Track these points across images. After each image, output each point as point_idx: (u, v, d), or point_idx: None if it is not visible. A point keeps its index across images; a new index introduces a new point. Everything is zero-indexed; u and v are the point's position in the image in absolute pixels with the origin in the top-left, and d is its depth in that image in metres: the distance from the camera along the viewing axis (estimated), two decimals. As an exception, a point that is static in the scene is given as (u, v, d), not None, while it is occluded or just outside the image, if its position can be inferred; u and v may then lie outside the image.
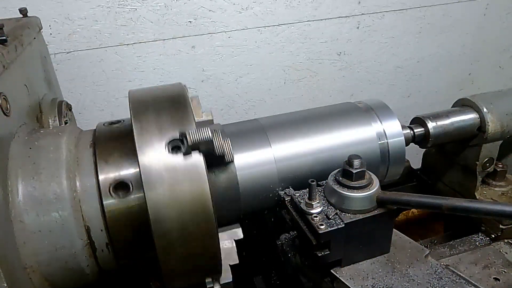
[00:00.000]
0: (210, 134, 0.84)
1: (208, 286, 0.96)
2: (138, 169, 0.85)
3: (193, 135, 0.83)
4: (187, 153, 0.84)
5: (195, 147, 0.84)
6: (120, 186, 0.93)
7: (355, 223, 0.96)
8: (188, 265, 0.91)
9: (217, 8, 1.85)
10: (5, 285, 0.75)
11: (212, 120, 1.06)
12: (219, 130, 0.93)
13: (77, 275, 0.95)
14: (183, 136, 0.84)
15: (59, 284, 0.94)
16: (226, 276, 0.98)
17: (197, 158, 0.85)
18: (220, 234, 0.92)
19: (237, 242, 1.07)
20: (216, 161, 0.94)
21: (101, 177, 0.93)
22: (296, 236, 1.12)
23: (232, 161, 0.95)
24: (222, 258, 0.93)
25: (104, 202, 0.92)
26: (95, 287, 1.01)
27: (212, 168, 0.99)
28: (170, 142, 0.86)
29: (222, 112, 2.07)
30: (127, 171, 0.95)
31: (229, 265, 1.00)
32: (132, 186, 0.93)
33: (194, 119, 0.92)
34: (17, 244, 0.86)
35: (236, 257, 1.01)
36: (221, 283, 0.97)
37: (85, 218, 0.91)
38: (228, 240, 1.06)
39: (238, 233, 1.09)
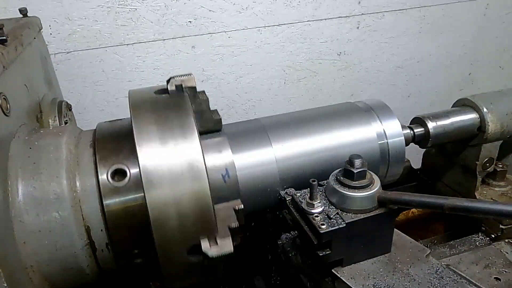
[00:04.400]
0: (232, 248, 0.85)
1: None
2: (138, 169, 0.85)
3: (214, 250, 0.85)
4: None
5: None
6: (118, 173, 0.93)
7: (356, 223, 0.95)
8: (188, 265, 0.91)
9: (217, 8, 1.85)
10: (5, 285, 0.75)
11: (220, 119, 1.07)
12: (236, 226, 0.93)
13: (77, 275, 0.95)
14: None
15: (59, 284, 0.94)
16: (226, 242, 0.91)
17: (198, 158, 0.85)
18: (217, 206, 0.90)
19: (237, 211, 1.04)
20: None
21: (101, 177, 0.93)
22: (297, 236, 1.12)
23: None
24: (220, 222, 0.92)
25: (104, 202, 0.92)
26: (95, 287, 1.01)
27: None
28: (170, 143, 0.86)
29: (222, 112, 2.06)
30: (127, 171, 0.94)
31: (229, 227, 0.95)
32: (129, 172, 0.93)
33: (194, 119, 0.92)
34: (17, 244, 0.85)
35: (237, 222, 0.97)
36: (219, 251, 0.92)
37: (85, 218, 0.91)
38: (228, 209, 1.02)
39: (238, 203, 1.06)
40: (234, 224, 0.94)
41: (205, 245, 0.86)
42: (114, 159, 0.95)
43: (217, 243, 0.87)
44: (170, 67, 1.91)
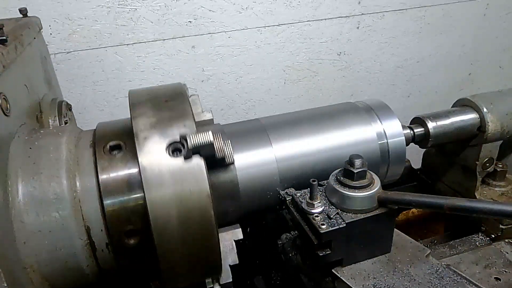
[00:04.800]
0: (211, 138, 0.84)
1: (208, 287, 0.96)
2: (138, 169, 0.85)
3: (193, 139, 0.83)
4: (187, 156, 0.84)
5: (195, 150, 0.84)
6: (115, 148, 0.93)
7: (356, 223, 0.95)
8: (188, 265, 0.91)
9: (217, 8, 1.85)
10: (5, 285, 0.75)
11: (212, 119, 1.06)
12: (219, 133, 0.92)
13: (77, 275, 0.95)
14: (183, 139, 0.84)
15: (59, 284, 0.94)
16: (226, 276, 0.98)
17: (198, 162, 0.85)
18: (220, 234, 0.92)
19: (237, 242, 1.07)
20: (216, 162, 0.94)
21: (101, 177, 0.93)
22: (297, 236, 1.12)
23: (233, 162, 0.95)
24: (222, 259, 0.93)
25: (104, 202, 0.92)
26: (95, 287, 1.01)
27: (212, 169, 0.99)
28: (170, 144, 0.86)
29: (222, 112, 2.07)
30: (127, 171, 0.94)
31: (229, 265, 1.00)
32: (125, 146, 0.93)
33: (194, 120, 0.92)
34: (17, 244, 0.85)
35: (236, 257, 1.01)
36: (221, 283, 0.97)
37: (85, 218, 0.91)
38: (228, 241, 1.06)
39: (238, 233, 1.09)
40: (234, 261, 0.99)
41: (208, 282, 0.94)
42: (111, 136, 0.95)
43: (219, 284, 0.94)
44: (170, 67, 1.91)
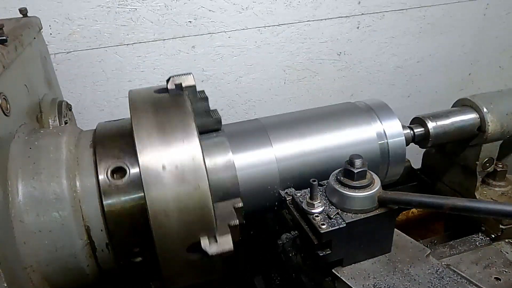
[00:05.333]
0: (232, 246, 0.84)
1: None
2: (138, 170, 0.85)
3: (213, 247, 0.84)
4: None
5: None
6: (117, 171, 0.93)
7: (357, 223, 0.95)
8: (188, 265, 0.91)
9: (217, 8, 1.85)
10: (5, 285, 0.75)
11: (220, 119, 1.07)
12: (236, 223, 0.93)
13: (77, 275, 0.95)
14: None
15: (59, 284, 0.94)
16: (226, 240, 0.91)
17: (198, 157, 0.85)
18: (218, 204, 0.90)
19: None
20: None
21: (101, 177, 0.93)
22: (297, 236, 1.12)
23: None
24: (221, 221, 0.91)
25: (104, 202, 0.92)
26: (95, 287, 1.01)
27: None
28: (170, 143, 0.86)
29: (222, 112, 2.06)
30: (127, 172, 0.94)
31: (229, 225, 0.95)
32: (129, 171, 0.92)
33: (195, 121, 0.91)
34: (17, 244, 0.85)
35: (237, 220, 0.97)
36: (219, 248, 0.92)
37: (85, 218, 0.91)
38: (227, 208, 1.02)
39: (238, 202, 1.06)
40: (234, 222, 0.94)
41: (204, 242, 0.85)
42: (114, 157, 0.95)
43: (216, 241, 0.86)
44: (170, 67, 1.91)
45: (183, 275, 0.94)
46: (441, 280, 0.96)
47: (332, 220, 0.95)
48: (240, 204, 1.02)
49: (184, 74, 0.97)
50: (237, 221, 0.95)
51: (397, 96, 2.42)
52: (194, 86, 0.98)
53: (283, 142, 1.13)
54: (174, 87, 0.95)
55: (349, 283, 0.96)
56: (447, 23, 2.30)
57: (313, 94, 2.23)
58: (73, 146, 0.97)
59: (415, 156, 1.60)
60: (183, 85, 0.96)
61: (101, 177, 0.92)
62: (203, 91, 1.04)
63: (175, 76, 0.96)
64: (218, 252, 0.85)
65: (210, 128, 1.10)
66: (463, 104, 1.37)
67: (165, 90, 0.97)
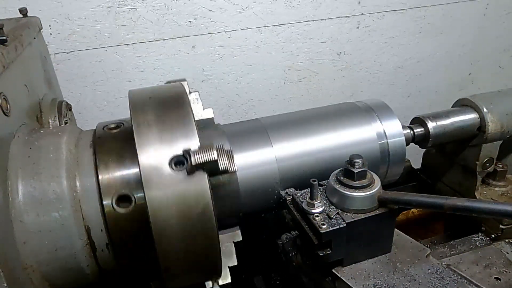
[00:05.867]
0: (215, 156, 0.83)
1: (208, 287, 0.96)
2: (138, 170, 0.85)
3: (197, 156, 0.82)
4: (191, 172, 0.84)
5: (199, 166, 0.83)
6: (122, 199, 0.92)
7: (357, 223, 0.95)
8: (188, 266, 0.91)
9: (217, 8, 1.85)
10: (5, 285, 0.75)
11: (213, 118, 1.06)
12: (223, 146, 0.91)
13: (77, 275, 0.94)
14: (186, 153, 0.84)
15: (59, 284, 0.94)
16: (225, 277, 0.98)
17: (201, 174, 0.85)
18: (219, 236, 0.92)
19: (237, 242, 1.07)
20: (218, 171, 0.94)
21: (101, 177, 0.93)
22: (298, 236, 1.12)
23: (235, 171, 0.95)
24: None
25: (104, 202, 0.92)
26: (95, 287, 1.01)
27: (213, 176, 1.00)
28: (173, 158, 0.86)
29: (222, 112, 2.07)
30: (127, 172, 0.94)
31: (228, 266, 1.00)
32: (134, 198, 0.92)
33: (195, 122, 0.91)
34: (17, 244, 0.85)
35: (235, 259, 1.01)
36: (220, 284, 0.97)
37: (85, 218, 0.91)
38: (228, 243, 1.06)
39: (237, 235, 1.10)
40: (233, 263, 0.99)
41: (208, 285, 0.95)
42: (114, 157, 0.95)
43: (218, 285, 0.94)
44: (170, 67, 1.91)
45: (183, 275, 0.94)
46: (441, 280, 0.96)
47: (332, 220, 0.95)
48: (240, 239, 1.07)
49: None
50: (236, 262, 1.01)
51: (397, 96, 2.42)
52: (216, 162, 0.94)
53: (283, 142, 1.13)
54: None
55: (349, 283, 0.96)
56: (447, 23, 2.30)
57: (313, 94, 2.23)
58: (73, 146, 0.97)
59: (415, 156, 1.60)
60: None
61: (101, 177, 0.92)
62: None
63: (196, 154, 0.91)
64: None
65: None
66: (463, 104, 1.37)
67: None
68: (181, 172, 0.84)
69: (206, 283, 0.96)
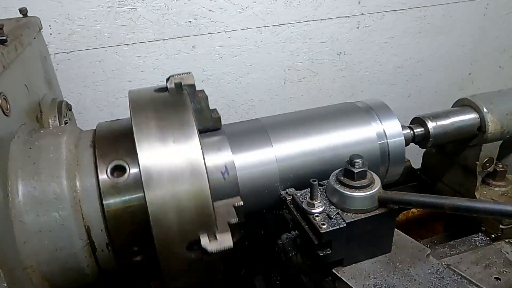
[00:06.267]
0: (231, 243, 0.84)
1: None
2: (138, 170, 0.85)
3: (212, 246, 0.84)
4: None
5: None
6: (117, 169, 0.93)
7: (357, 223, 0.95)
8: (188, 265, 0.91)
9: (217, 8, 1.85)
10: (5, 285, 0.75)
11: (220, 117, 1.07)
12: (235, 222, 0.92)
13: (77, 275, 0.95)
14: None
15: (59, 284, 0.94)
16: (225, 235, 0.91)
17: (198, 156, 0.85)
18: (217, 203, 0.90)
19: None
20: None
21: (101, 177, 0.93)
22: (298, 236, 1.12)
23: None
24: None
25: (104, 202, 0.92)
26: (95, 287, 1.01)
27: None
28: (170, 142, 0.86)
29: (222, 112, 2.03)
30: (127, 171, 0.94)
31: (228, 223, 0.94)
32: (129, 169, 0.92)
33: (194, 117, 0.92)
34: (17, 244, 0.85)
35: (236, 217, 0.97)
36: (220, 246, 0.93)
37: (85, 218, 0.91)
38: (228, 205, 1.02)
39: (237, 200, 1.04)
40: (234, 220, 0.94)
41: (204, 240, 0.85)
42: (114, 156, 0.95)
43: (216, 239, 0.86)
44: (170, 67, 1.91)
45: (183, 275, 0.94)
46: (441, 280, 0.96)
47: (332, 220, 0.95)
48: (240, 203, 1.02)
49: (184, 73, 0.97)
50: (237, 219, 0.95)
51: (397, 96, 2.42)
52: (193, 85, 0.98)
53: (283, 142, 1.13)
54: (173, 86, 0.95)
55: (349, 283, 0.96)
56: (447, 23, 2.30)
57: (313, 94, 2.23)
58: (73, 146, 0.97)
59: (415, 156, 1.60)
60: (183, 84, 0.96)
61: (101, 176, 0.92)
62: (202, 90, 1.04)
63: (175, 75, 0.96)
64: (218, 249, 0.85)
65: (210, 127, 1.10)
66: (463, 104, 1.37)
67: (165, 89, 0.97)
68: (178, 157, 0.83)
69: (200, 236, 0.87)
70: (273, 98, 2.17)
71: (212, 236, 0.86)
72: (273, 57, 2.05)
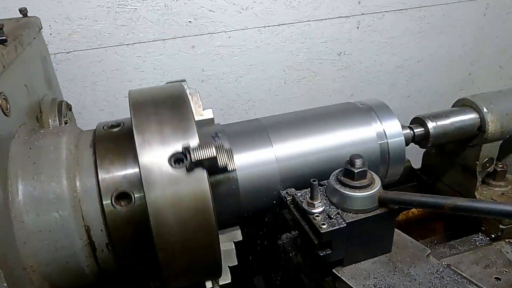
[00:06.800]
0: (214, 152, 0.83)
1: (208, 287, 0.96)
2: (138, 170, 0.85)
3: (197, 154, 0.83)
4: (190, 169, 0.84)
5: (198, 163, 0.84)
6: (122, 197, 0.92)
7: (357, 223, 0.95)
8: (188, 266, 0.91)
9: (217, 8, 1.85)
10: (5, 285, 0.75)
11: (213, 118, 1.06)
12: (222, 144, 0.91)
13: (77, 275, 0.95)
14: (186, 151, 0.84)
15: (59, 284, 0.94)
16: (225, 277, 0.98)
17: (200, 172, 0.85)
18: (219, 236, 0.92)
19: (237, 242, 1.07)
20: (218, 169, 0.94)
21: (101, 177, 0.93)
22: (298, 236, 1.12)
23: (234, 169, 0.95)
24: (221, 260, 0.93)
25: (104, 202, 0.92)
26: (95, 287, 1.01)
27: (212, 174, 0.99)
28: (173, 155, 0.86)
29: (222, 112, 2.07)
30: (127, 171, 0.94)
31: (228, 266, 1.00)
32: (134, 197, 0.92)
33: (195, 122, 0.91)
34: (17, 244, 0.85)
35: (235, 259, 1.01)
36: (220, 284, 0.97)
37: (85, 218, 0.91)
38: (228, 242, 1.06)
39: (238, 235, 1.09)
40: (233, 263, 0.99)
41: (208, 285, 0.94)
42: (115, 159, 0.95)
43: (218, 285, 0.93)
44: (170, 67, 1.91)
45: (183, 275, 0.94)
46: (442, 280, 0.96)
47: (333, 220, 0.95)
48: (240, 238, 1.07)
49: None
50: (236, 262, 1.01)
51: (397, 96, 2.42)
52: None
53: (283, 142, 1.13)
54: (190, 161, 0.89)
55: (349, 283, 0.96)
56: (447, 23, 2.30)
57: (313, 94, 2.23)
58: (73, 146, 0.97)
59: (415, 156, 1.60)
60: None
61: (101, 177, 0.92)
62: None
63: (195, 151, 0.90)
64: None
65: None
66: (463, 104, 1.37)
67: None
68: (181, 170, 0.84)
69: (206, 283, 0.96)
70: (273, 98, 2.17)
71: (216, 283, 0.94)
72: (273, 57, 2.05)
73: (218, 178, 1.05)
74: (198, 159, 0.82)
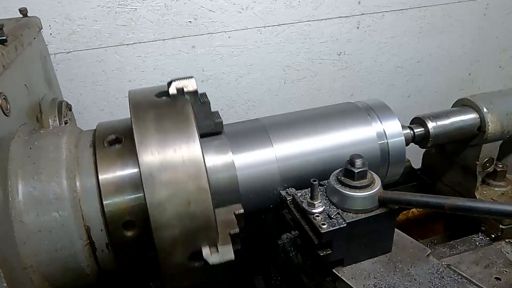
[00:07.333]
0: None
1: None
2: (138, 170, 0.85)
3: None
4: None
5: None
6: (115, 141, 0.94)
7: (357, 223, 0.95)
8: (188, 266, 0.91)
9: (217, 8, 1.85)
10: (5, 285, 0.75)
11: (221, 122, 1.08)
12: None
13: (77, 275, 0.95)
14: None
15: (59, 284, 0.94)
16: (227, 249, 0.90)
17: (198, 159, 0.85)
18: (219, 209, 0.90)
19: (239, 216, 1.02)
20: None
21: (101, 177, 0.93)
22: (298, 236, 1.12)
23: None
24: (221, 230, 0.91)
25: (104, 202, 0.92)
26: (95, 287, 1.01)
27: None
28: (171, 144, 0.86)
29: (222, 112, 2.03)
30: (127, 171, 0.94)
31: (229, 233, 0.93)
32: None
33: (195, 120, 0.91)
34: (17, 244, 0.85)
35: (237, 227, 0.96)
36: (223, 256, 0.90)
37: (85, 218, 0.91)
38: (228, 213, 1.01)
39: (238, 208, 1.04)
40: (235, 230, 0.94)
41: (206, 252, 0.86)
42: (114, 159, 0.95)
43: (217, 251, 0.87)
44: (170, 67, 1.91)
45: (183, 277, 0.94)
46: (442, 280, 0.96)
47: (333, 220, 0.95)
48: (241, 211, 1.02)
49: (186, 78, 0.96)
50: (238, 229, 0.95)
51: (397, 96, 2.43)
52: (196, 91, 0.96)
53: (283, 142, 1.13)
54: (175, 91, 0.94)
55: (349, 283, 0.96)
56: (447, 23, 2.30)
57: (313, 94, 2.23)
58: (73, 146, 0.97)
59: (415, 156, 1.60)
60: (185, 90, 0.95)
61: (101, 177, 0.92)
62: (204, 94, 1.04)
63: (177, 80, 0.94)
64: (219, 261, 0.86)
65: (211, 131, 1.09)
66: (463, 104, 1.37)
67: (166, 93, 0.96)
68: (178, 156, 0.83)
69: (202, 249, 0.87)
70: (273, 98, 2.17)
71: (214, 247, 0.87)
72: (273, 57, 2.05)
73: (217, 178, 1.05)
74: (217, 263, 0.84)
